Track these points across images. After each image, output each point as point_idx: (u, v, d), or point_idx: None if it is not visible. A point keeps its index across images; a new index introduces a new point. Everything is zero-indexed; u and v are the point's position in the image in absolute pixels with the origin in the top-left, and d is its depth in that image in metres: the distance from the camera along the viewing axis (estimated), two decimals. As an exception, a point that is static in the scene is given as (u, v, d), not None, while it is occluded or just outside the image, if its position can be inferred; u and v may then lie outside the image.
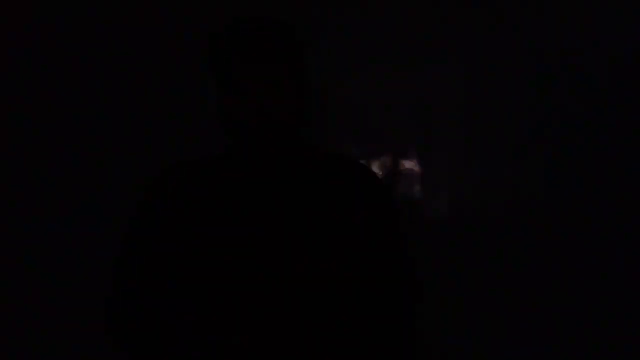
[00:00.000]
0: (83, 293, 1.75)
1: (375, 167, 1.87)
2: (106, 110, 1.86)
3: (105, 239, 1.69)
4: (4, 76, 1.84)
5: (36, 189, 1.84)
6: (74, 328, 1.75)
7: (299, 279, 0.99)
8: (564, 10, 1.83)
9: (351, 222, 1.04)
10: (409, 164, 1.86)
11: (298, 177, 1.06)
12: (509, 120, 1.84)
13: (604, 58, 1.82)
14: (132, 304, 1.05)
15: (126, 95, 1.85)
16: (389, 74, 1.85)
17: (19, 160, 1.84)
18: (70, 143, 1.84)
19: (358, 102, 1.86)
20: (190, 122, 1.81)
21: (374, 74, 1.86)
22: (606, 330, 1.77)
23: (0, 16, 1.83)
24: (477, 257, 1.82)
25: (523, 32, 1.83)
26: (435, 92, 1.85)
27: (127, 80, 1.85)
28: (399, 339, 1.08)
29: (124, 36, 1.86)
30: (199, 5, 1.82)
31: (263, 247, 1.00)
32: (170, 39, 1.83)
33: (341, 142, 1.87)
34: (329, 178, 1.07)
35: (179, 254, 1.03)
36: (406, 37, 1.85)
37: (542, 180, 1.82)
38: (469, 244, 1.82)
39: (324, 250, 1.01)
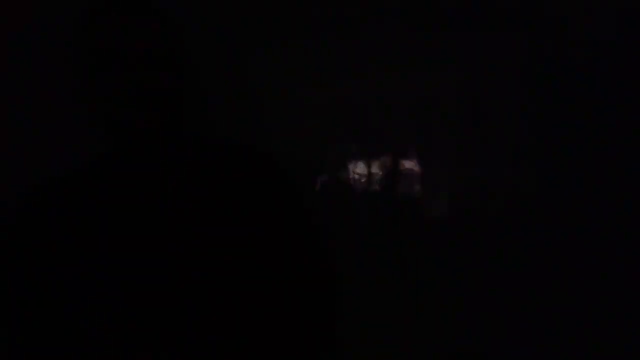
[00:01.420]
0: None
1: (375, 167, 1.87)
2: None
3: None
4: None
5: None
6: None
7: (207, 290, 0.92)
8: (565, 11, 1.83)
9: (251, 214, 0.97)
10: (409, 164, 1.86)
11: (187, 173, 0.98)
12: (509, 121, 1.84)
13: (606, 58, 1.81)
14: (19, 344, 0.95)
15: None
16: (389, 74, 1.85)
17: None
18: None
19: (358, 102, 1.85)
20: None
21: (374, 74, 1.86)
22: (607, 331, 1.77)
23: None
24: (477, 257, 1.81)
25: (523, 33, 1.83)
26: (435, 92, 1.85)
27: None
28: (312, 326, 1.02)
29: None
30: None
31: (155, 257, 0.92)
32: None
33: (341, 141, 1.87)
34: (221, 171, 0.99)
35: (67, 284, 0.92)
36: (406, 36, 1.85)
37: (543, 181, 1.82)
38: (469, 244, 1.82)
39: (227, 250, 0.94)
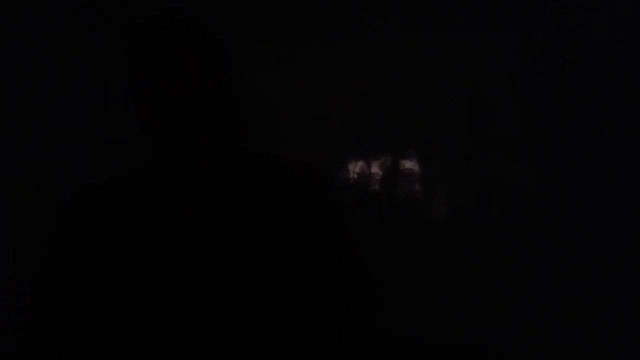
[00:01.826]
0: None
1: (375, 167, 1.86)
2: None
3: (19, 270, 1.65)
4: None
5: None
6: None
7: (244, 296, 0.93)
8: (565, 11, 1.83)
9: (295, 224, 0.99)
10: (409, 164, 1.86)
11: (230, 182, 1.00)
12: (509, 120, 1.84)
13: (608, 59, 1.81)
14: (53, 347, 0.95)
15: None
16: (389, 74, 1.85)
17: None
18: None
19: (358, 102, 1.85)
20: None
21: (374, 74, 1.86)
22: (608, 332, 1.77)
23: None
24: (477, 257, 1.81)
25: (525, 33, 1.83)
26: (435, 92, 1.85)
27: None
28: (353, 325, 1.04)
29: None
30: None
31: (202, 268, 0.94)
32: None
33: (340, 141, 1.87)
34: (263, 181, 1.02)
35: (107, 288, 0.94)
36: (406, 37, 1.85)
37: (543, 181, 1.82)
38: (469, 244, 1.82)
39: (270, 259, 0.95)
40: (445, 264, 1.82)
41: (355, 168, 1.86)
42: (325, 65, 1.86)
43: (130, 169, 1.04)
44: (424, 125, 1.85)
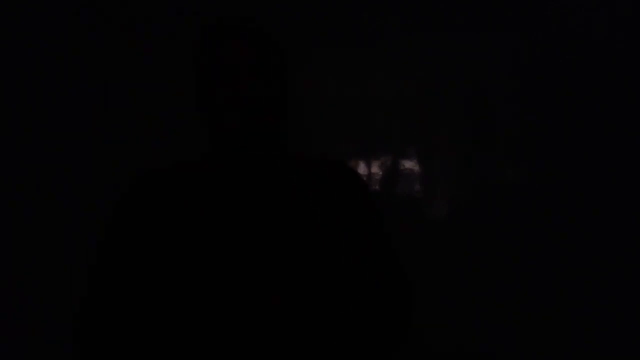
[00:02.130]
0: (52, 303, 1.75)
1: (375, 167, 1.87)
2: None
3: (77, 247, 1.68)
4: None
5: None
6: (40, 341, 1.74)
7: (288, 284, 0.97)
8: (565, 11, 1.83)
9: (336, 222, 1.03)
10: (409, 164, 1.86)
11: (279, 179, 1.05)
12: (509, 121, 1.84)
13: (608, 59, 1.82)
14: (106, 319, 0.99)
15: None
16: (389, 74, 1.85)
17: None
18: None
19: (358, 102, 1.86)
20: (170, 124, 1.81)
21: (374, 74, 1.86)
22: (607, 333, 1.77)
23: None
24: (477, 257, 1.81)
25: (525, 33, 1.83)
26: (435, 92, 1.85)
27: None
28: (391, 325, 1.07)
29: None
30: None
31: (249, 254, 0.98)
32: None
33: (341, 141, 1.87)
34: (309, 180, 1.06)
35: (160, 265, 0.98)
36: (406, 37, 1.85)
37: (544, 181, 1.82)
38: (469, 244, 1.82)
39: (312, 251, 0.99)
40: (445, 264, 1.82)
41: (355, 168, 1.86)
42: (325, 65, 1.86)
43: (192, 158, 1.10)
44: (424, 125, 1.85)
